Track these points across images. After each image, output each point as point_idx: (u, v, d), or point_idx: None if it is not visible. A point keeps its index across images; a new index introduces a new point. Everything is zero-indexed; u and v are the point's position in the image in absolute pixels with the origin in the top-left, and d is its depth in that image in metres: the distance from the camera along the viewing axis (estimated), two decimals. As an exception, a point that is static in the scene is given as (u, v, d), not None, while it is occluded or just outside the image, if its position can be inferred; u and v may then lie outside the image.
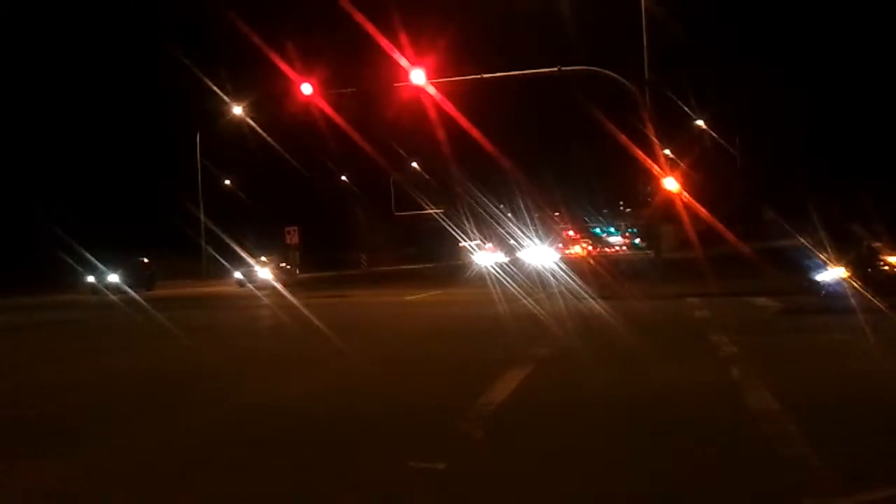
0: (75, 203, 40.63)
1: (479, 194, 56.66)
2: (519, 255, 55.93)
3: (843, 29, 35.56)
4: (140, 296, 26.35)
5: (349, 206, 60.95)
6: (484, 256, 50.31)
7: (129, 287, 29.69)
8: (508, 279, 25.59)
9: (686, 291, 18.54)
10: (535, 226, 72.08)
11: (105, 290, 30.25)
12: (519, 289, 21.29)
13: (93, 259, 31.10)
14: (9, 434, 6.49)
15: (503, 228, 58.05)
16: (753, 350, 9.67)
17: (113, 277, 31.70)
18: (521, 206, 66.54)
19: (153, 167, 42.60)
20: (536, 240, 66.79)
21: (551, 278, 24.42)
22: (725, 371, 8.17)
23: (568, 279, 23.50)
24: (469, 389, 7.39)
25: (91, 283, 31.92)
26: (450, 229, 51.41)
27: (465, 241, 50.66)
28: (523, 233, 62.61)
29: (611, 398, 7.08)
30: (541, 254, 58.62)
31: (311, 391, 8.05)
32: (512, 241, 60.71)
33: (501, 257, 55.41)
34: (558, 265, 37.35)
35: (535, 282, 22.74)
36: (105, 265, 32.01)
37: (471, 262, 48.65)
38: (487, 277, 27.41)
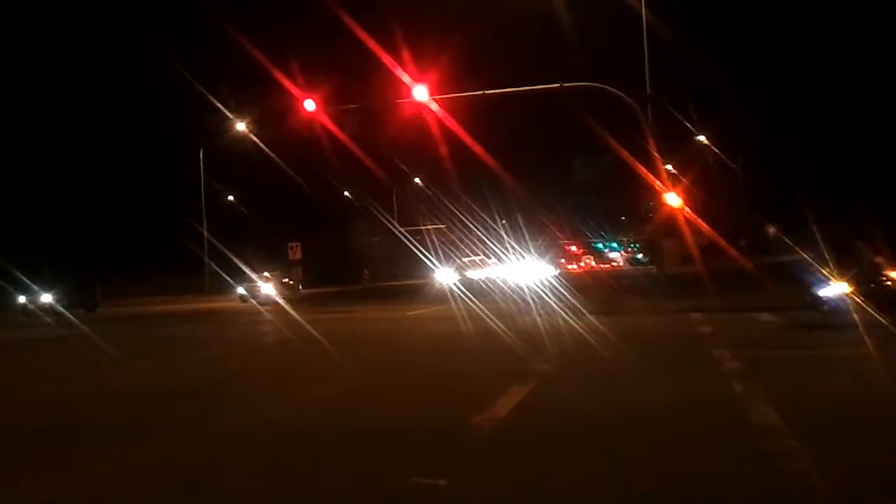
0: (66, 219, 40.62)
1: (478, 209, 56.69)
2: (508, 270, 55.34)
3: (846, 45, 35.73)
4: (76, 316, 24.26)
5: (352, 221, 61.07)
6: (445, 274, 49.52)
7: (64, 307, 27.68)
8: (504, 296, 25.56)
9: (688, 307, 18.51)
10: (535, 241, 71.86)
11: (38, 310, 28.25)
12: (519, 305, 21.26)
13: (24, 278, 28.92)
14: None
15: (499, 243, 57.88)
16: (756, 366, 9.64)
17: (46, 297, 29.68)
18: (522, 221, 66.49)
19: (156, 183, 42.78)
20: (534, 255, 66.48)
21: (546, 295, 24.25)
22: (728, 387, 8.15)
23: (567, 295, 23.46)
24: (472, 405, 7.37)
25: (21, 304, 29.83)
26: (412, 246, 50.63)
27: (426, 257, 49.77)
28: (520, 248, 62.48)
29: (612, 413, 7.07)
30: (536, 269, 58.27)
31: (314, 407, 8.05)
32: (507, 257, 60.47)
33: (482, 273, 54.59)
34: (557, 280, 37.24)
35: (532, 298, 22.64)
36: (38, 284, 29.78)
37: (432, 280, 47.79)
38: (487, 295, 27.35)
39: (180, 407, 8.26)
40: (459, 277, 47.78)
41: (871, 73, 34.42)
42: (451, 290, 29.46)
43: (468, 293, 25.61)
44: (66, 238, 37.79)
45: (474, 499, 4.85)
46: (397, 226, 54.20)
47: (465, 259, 62.21)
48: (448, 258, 56.08)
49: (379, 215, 54.64)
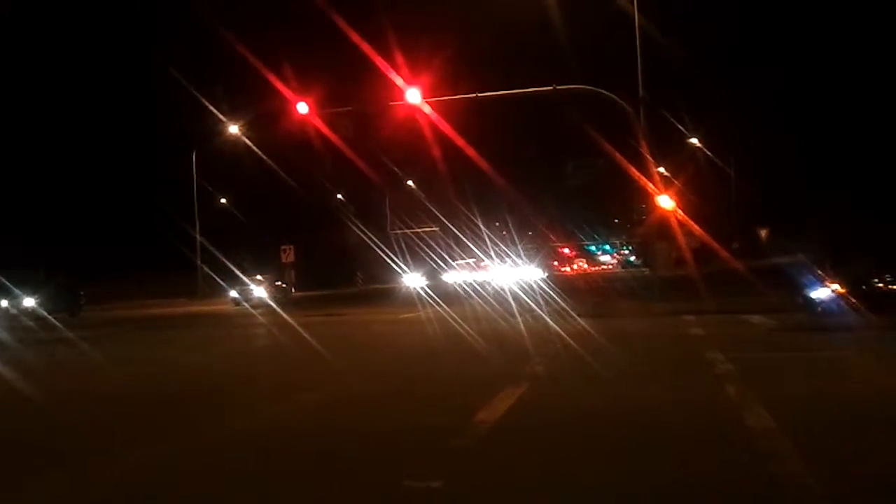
0: (57, 221, 40.39)
1: (471, 212, 56.77)
2: (496, 273, 55.29)
3: (839, 46, 35.87)
4: (60, 321, 24.14)
5: (344, 224, 61.04)
6: (412, 278, 49.62)
7: (48, 311, 27.26)
8: (493, 300, 25.53)
9: (681, 309, 18.53)
10: (525, 243, 71.84)
11: (20, 314, 27.74)
12: (509, 308, 21.26)
13: (6, 282, 28.45)
14: None
15: (490, 246, 57.90)
16: (749, 368, 9.66)
17: (28, 302, 29.15)
18: (513, 223, 66.50)
19: (149, 186, 42.69)
20: (523, 257, 66.46)
21: (533, 298, 24.17)
22: (721, 388, 8.16)
23: (557, 298, 23.42)
24: (465, 407, 7.37)
25: (3, 308, 29.24)
26: (379, 251, 50.34)
27: (396, 262, 49.62)
28: (511, 250, 62.47)
29: (606, 416, 7.06)
30: (525, 272, 58.20)
31: (307, 410, 8.02)
32: (497, 260, 60.43)
33: (474, 276, 54.55)
34: (547, 283, 37.21)
35: (517, 302, 22.57)
36: (21, 288, 29.26)
37: (400, 284, 47.81)
38: (485, 297, 27.26)
39: (170, 411, 8.23)
40: (428, 282, 47.81)
41: (867, 73, 34.57)
42: (420, 296, 29.31)
43: (437, 298, 25.57)
44: (57, 241, 37.58)
45: (469, 501, 4.84)
46: (366, 230, 53.96)
47: (457, 262, 62.20)
48: (434, 261, 56.05)
49: (349, 221, 54.50)
